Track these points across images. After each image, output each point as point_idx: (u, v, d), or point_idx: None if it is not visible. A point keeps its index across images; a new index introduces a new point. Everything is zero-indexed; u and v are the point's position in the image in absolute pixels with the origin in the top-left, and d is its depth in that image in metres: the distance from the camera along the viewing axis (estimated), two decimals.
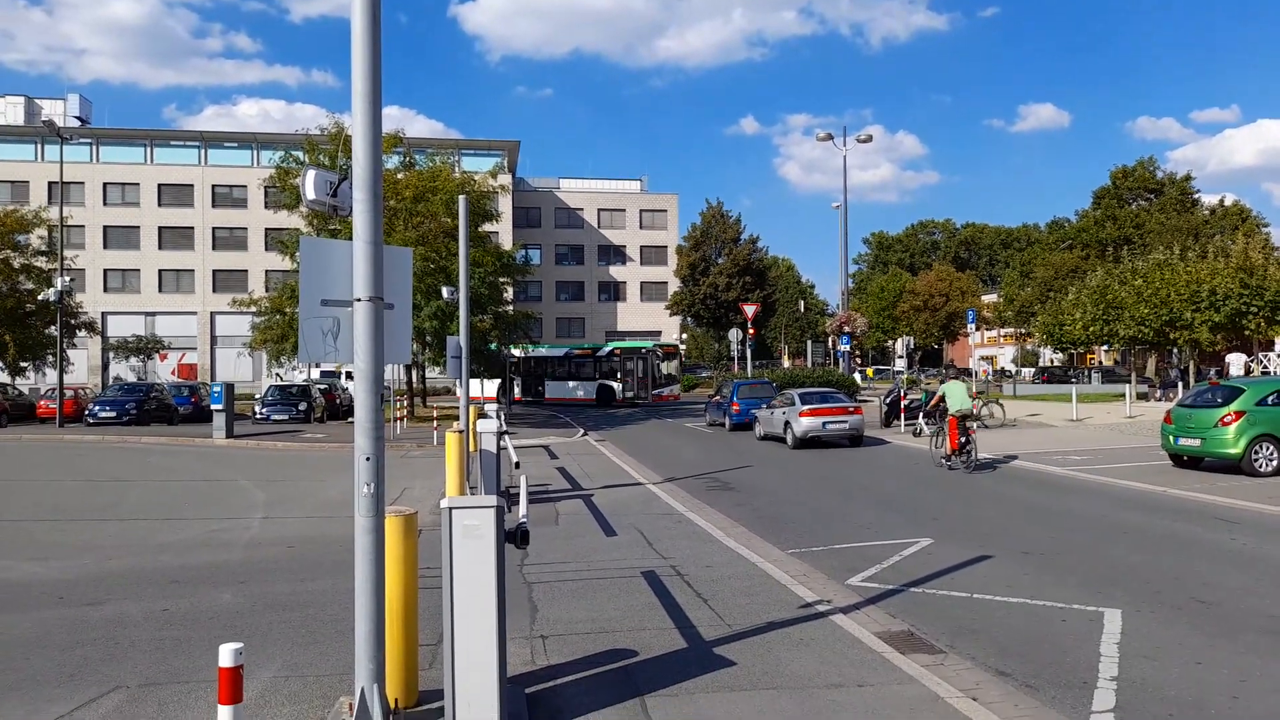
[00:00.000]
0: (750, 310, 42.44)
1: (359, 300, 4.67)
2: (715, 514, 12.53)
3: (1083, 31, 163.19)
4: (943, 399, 18.05)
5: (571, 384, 45.37)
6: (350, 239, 4.71)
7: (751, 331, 43.47)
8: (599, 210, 77.63)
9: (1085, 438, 22.12)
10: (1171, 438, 15.97)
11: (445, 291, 21.86)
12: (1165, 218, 63.40)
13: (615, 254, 77.75)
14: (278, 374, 43.69)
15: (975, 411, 18.51)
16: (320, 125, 31.72)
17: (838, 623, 7.06)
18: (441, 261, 28.46)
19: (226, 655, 3.40)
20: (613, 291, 77.94)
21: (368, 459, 4.66)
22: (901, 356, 49.37)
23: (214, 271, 66.59)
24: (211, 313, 65.42)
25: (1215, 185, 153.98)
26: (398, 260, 5.18)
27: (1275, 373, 33.86)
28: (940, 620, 7.28)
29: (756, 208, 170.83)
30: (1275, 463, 14.58)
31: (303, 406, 32.16)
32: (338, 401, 35.19)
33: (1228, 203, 69.19)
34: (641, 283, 77.78)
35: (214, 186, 67.18)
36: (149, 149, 67.62)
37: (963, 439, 17.02)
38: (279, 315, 29.82)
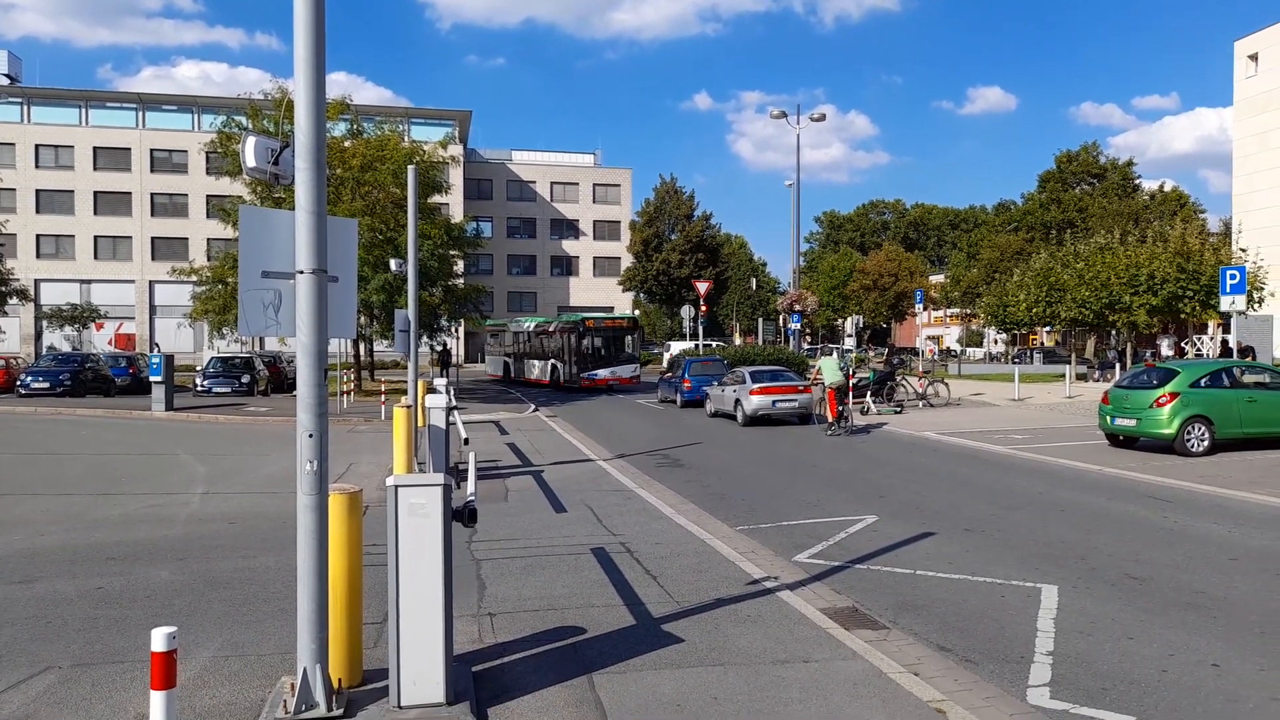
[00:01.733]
0: (703, 287, 42.51)
1: (301, 272, 4.54)
2: (665, 491, 12.57)
3: (1030, 16, 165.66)
4: (820, 372, 19.99)
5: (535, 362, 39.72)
6: (294, 208, 4.57)
7: (704, 308, 43.14)
8: (552, 184, 76.97)
9: (1026, 417, 22.65)
10: (1108, 418, 16.42)
11: (393, 264, 21.49)
12: (1107, 202, 64.92)
13: (568, 228, 77.27)
14: (242, 344, 42.02)
15: (850, 381, 20.76)
16: (264, 90, 30.86)
17: (784, 599, 7.14)
18: (389, 233, 27.95)
19: (159, 639, 3.29)
20: (565, 266, 77.52)
21: (310, 435, 4.55)
22: (850, 335, 50.09)
23: (153, 239, 64.64)
24: (150, 281, 63.60)
25: (1155, 171, 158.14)
26: (342, 231, 5.04)
27: (1206, 355, 34.98)
28: (884, 596, 7.40)
29: (710, 184, 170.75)
30: (1206, 443, 15.09)
31: (246, 379, 31.48)
32: (283, 374, 34.50)
33: (1167, 189, 71.09)
34: (594, 258, 77.48)
35: (153, 150, 65.04)
36: (84, 110, 65.17)
37: (841, 407, 19.31)
38: (221, 285, 29.05)
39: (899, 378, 27.27)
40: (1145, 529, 9.92)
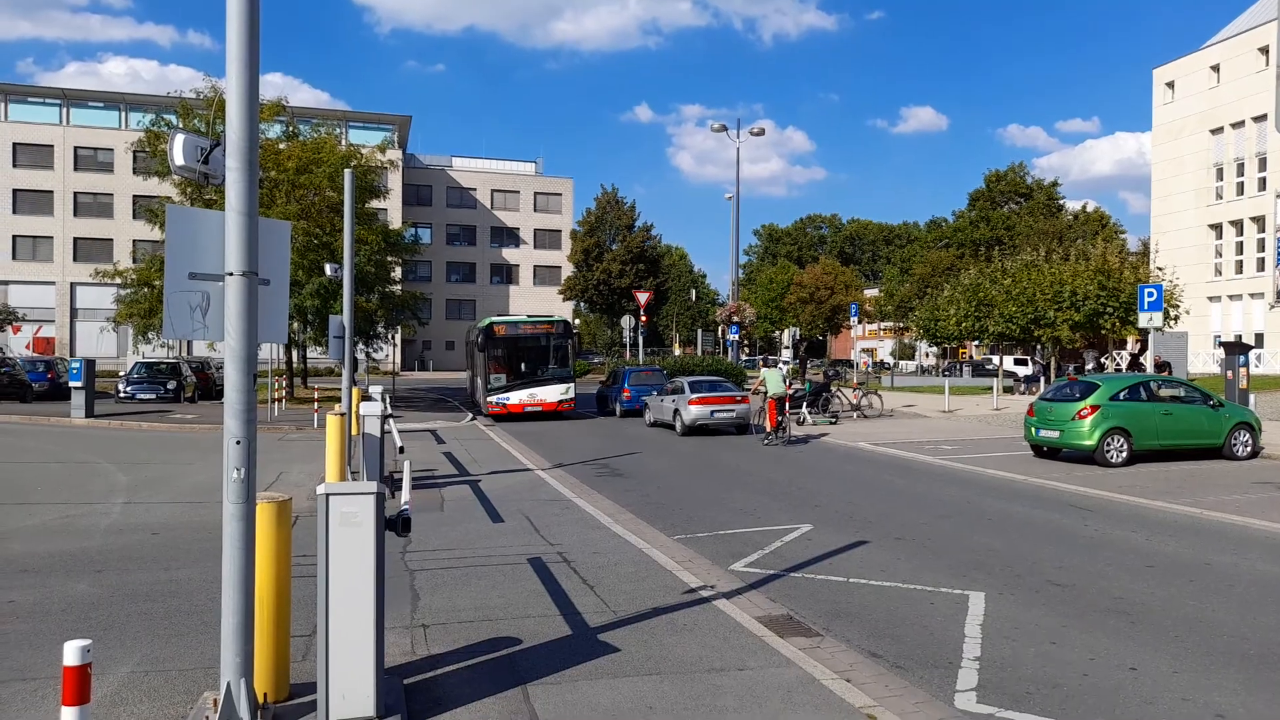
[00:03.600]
0: (643, 298, 42.63)
1: (231, 275, 4.42)
2: (603, 500, 12.55)
3: (961, 39, 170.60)
4: (763, 383, 20.17)
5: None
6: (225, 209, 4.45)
7: (644, 319, 43.19)
8: (492, 191, 76.53)
9: (956, 428, 23.21)
10: (1033, 429, 16.92)
11: (329, 269, 21.09)
12: (1034, 221, 67.13)
13: (508, 236, 76.87)
14: (169, 349, 40.06)
15: (789, 392, 21.36)
16: (196, 88, 30.05)
17: (721, 607, 7.17)
18: (325, 237, 27.46)
19: (71, 653, 3.16)
20: (505, 274, 77.07)
21: (238, 442, 4.43)
22: (788, 347, 50.74)
23: (75, 239, 62.38)
24: (72, 283, 61.33)
25: (1078, 192, 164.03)
26: (274, 233, 4.92)
27: (1123, 369, 36.32)
28: (818, 604, 7.50)
29: (650, 196, 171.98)
30: (1125, 454, 15.65)
31: (172, 385, 30.51)
32: (211, 380, 33.53)
33: (1090, 209, 73.79)
34: (535, 266, 77.20)
35: (76, 148, 62.81)
36: (3, 104, 62.62)
37: (781, 418, 19.63)
38: (147, 288, 28.17)
39: (834, 389, 27.72)
40: (1068, 537, 10.24)
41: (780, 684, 5.54)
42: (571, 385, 27.10)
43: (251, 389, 4.48)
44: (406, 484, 6.16)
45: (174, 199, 30.09)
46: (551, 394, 26.60)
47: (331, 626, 4.65)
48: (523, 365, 27.01)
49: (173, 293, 4.54)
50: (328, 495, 4.65)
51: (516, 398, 26.29)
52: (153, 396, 29.82)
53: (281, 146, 29.36)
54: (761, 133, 39.04)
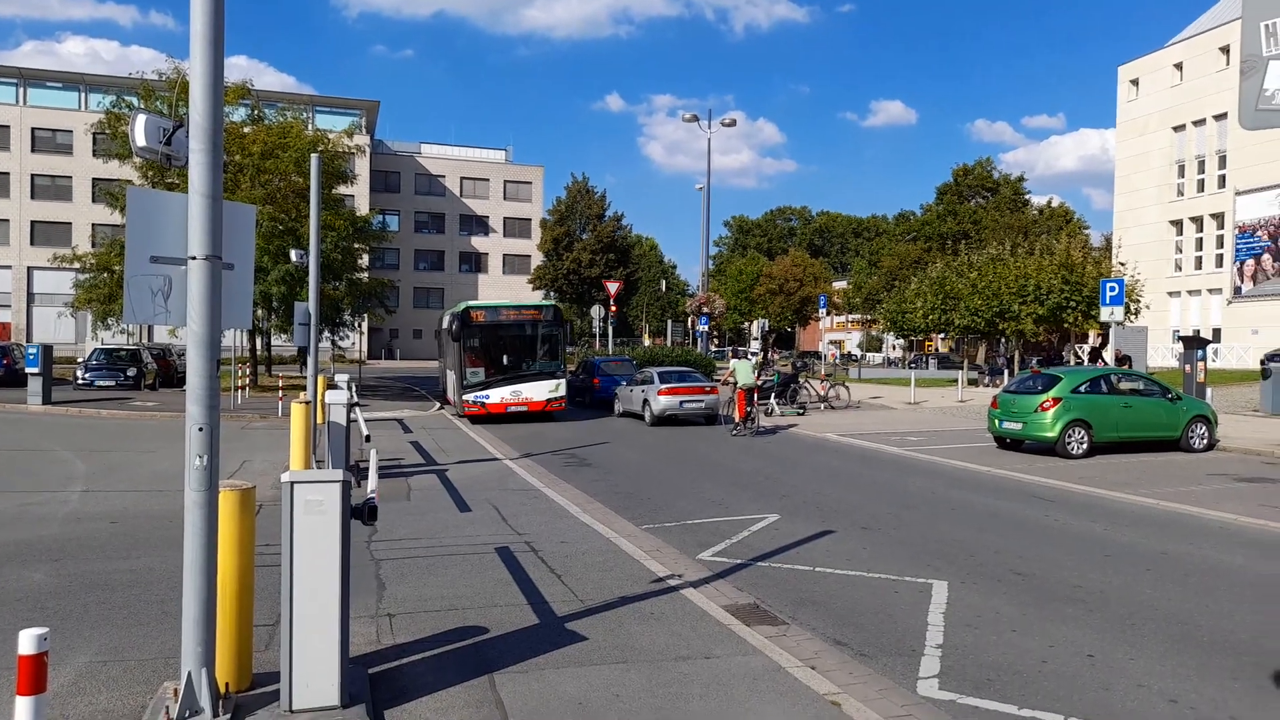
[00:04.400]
0: (613, 288, 42.52)
1: (194, 258, 4.35)
2: (572, 490, 12.54)
3: (930, 33, 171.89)
4: (733, 374, 20.28)
5: None
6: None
7: (614, 309, 43.01)
8: (462, 179, 75.90)
9: (921, 420, 23.47)
10: (997, 421, 17.16)
11: (294, 255, 20.81)
12: (1000, 215, 67.88)
13: (478, 224, 76.33)
14: (129, 335, 39.44)
15: (758, 383, 21.34)
16: (159, 70, 29.46)
17: (688, 597, 7.21)
18: (291, 223, 27.08)
19: (27, 641, 3.09)
20: (474, 263, 76.55)
21: (200, 429, 4.37)
22: (756, 338, 51.00)
23: (32, 223, 60.95)
24: (29, 268, 59.96)
25: (1042, 187, 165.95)
26: (239, 217, 4.85)
27: (1085, 362, 36.95)
28: (784, 593, 7.56)
29: (621, 185, 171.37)
30: (1085, 445, 15.93)
31: (132, 372, 29.95)
32: (172, 367, 32.99)
33: (1054, 204, 74.79)
34: (504, 255, 76.76)
35: (34, 129, 61.33)
36: None
37: (749, 409, 19.71)
38: (107, 273, 27.61)
39: (802, 380, 27.90)
40: (1030, 527, 10.41)
41: (746, 672, 5.58)
42: (563, 382, 23.19)
43: (215, 375, 4.42)
44: (373, 472, 6.11)
45: (135, 181, 29.51)
46: (539, 391, 22.67)
47: (295, 615, 4.60)
48: (505, 358, 22.99)
49: (134, 276, 4.46)
50: (292, 483, 4.60)
51: (498, 395, 22.42)
52: (112, 383, 29.27)
53: (246, 130, 28.88)
54: (733, 124, 39.10)
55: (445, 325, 24.68)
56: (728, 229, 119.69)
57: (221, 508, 4.64)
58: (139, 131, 4.73)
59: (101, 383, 29.22)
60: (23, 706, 3.11)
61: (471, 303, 24.06)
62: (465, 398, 22.34)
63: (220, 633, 4.67)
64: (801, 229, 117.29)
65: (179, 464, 4.42)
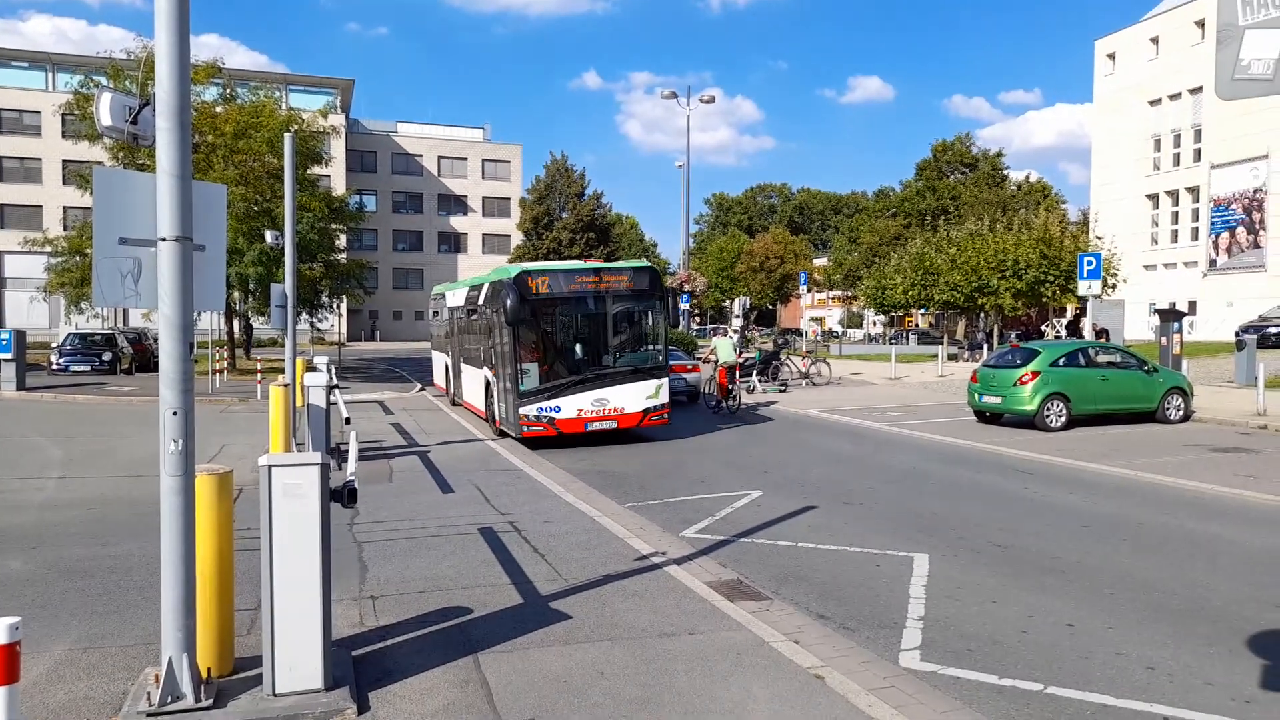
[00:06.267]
0: None
1: (164, 240, 4.27)
2: (555, 469, 12.53)
3: (907, 8, 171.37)
4: (714, 352, 20.23)
5: None
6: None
7: None
8: (439, 158, 75.19)
9: (902, 395, 23.61)
10: (976, 395, 17.29)
11: (269, 236, 20.56)
12: (978, 191, 68.12)
13: (456, 204, 75.74)
14: (103, 319, 38.83)
15: (739, 360, 21.21)
16: (127, 49, 28.87)
17: (672, 573, 7.23)
18: (265, 204, 26.75)
19: None
20: (453, 243, 76.03)
21: (175, 413, 4.31)
22: (738, 316, 51.06)
23: (3, 206, 59.86)
24: (0, 251, 58.91)
25: (1020, 162, 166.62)
26: (210, 197, 4.76)
27: (1062, 336, 37.29)
28: (767, 568, 7.59)
29: (600, 164, 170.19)
30: (1064, 418, 16.08)
31: (107, 357, 29.57)
32: (148, 351, 32.61)
33: (1032, 179, 75.07)
34: (483, 235, 76.25)
35: (1, 110, 60.06)
36: None
37: (730, 386, 19.61)
38: (79, 257, 27.19)
39: (784, 357, 27.99)
40: (1009, 499, 10.51)
41: (730, 647, 5.60)
42: (664, 383, 15.71)
43: (188, 358, 4.35)
44: (353, 455, 6.07)
45: (105, 164, 29.00)
46: (632, 398, 15.28)
47: (276, 599, 4.57)
48: (580, 348, 15.61)
49: (102, 259, 4.38)
50: (270, 467, 4.55)
51: (573, 406, 14.92)
52: (87, 368, 28.89)
53: (218, 110, 28.42)
54: (712, 100, 38.91)
55: (481, 302, 17.06)
56: (708, 207, 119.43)
57: (199, 492, 4.59)
58: (104, 110, 4.62)
59: (76, 368, 28.85)
60: None
61: (528, 266, 15.81)
62: (523, 411, 14.72)
63: (201, 618, 4.63)
64: (782, 206, 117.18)
65: (156, 449, 4.36)
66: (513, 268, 15.79)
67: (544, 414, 14.88)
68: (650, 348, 16.19)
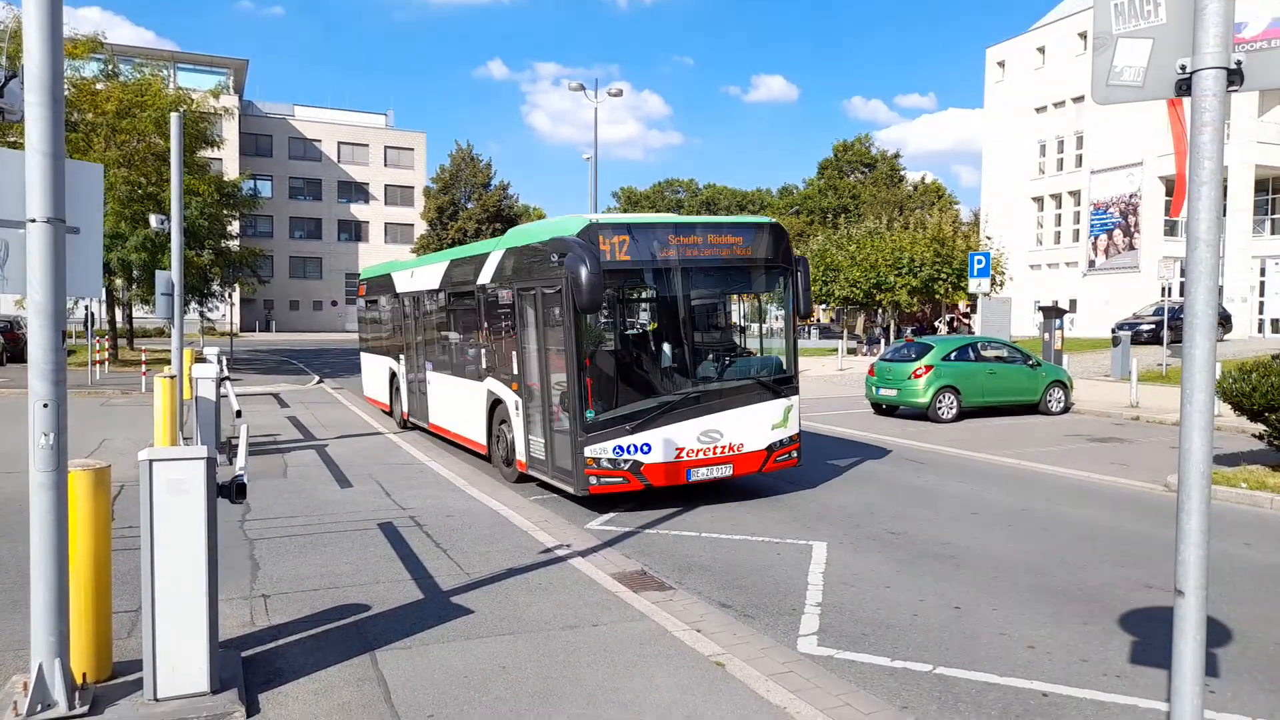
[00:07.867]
0: None
1: (33, 221, 4.01)
2: (458, 463, 12.33)
3: (810, 9, 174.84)
4: None
5: None
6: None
7: None
8: (340, 144, 73.01)
9: (803, 388, 24.10)
10: (874, 388, 17.85)
11: (155, 220, 19.57)
12: (877, 190, 70.25)
13: (357, 191, 73.71)
14: None
15: None
16: None
17: (576, 566, 7.21)
18: (151, 188, 25.43)
19: None
20: (354, 231, 73.98)
21: (45, 405, 4.06)
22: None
23: None
24: None
25: (915, 164, 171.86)
26: (85, 177, 4.49)
27: (945, 332, 38.84)
28: (671, 559, 7.66)
29: (506, 154, 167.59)
30: (954, 410, 16.76)
31: None
32: (23, 342, 30.66)
33: (928, 180, 77.86)
34: (386, 223, 74.45)
35: None
36: None
37: None
38: None
39: None
40: (904, 488, 10.88)
41: (633, 637, 5.63)
42: (794, 403, 10.53)
43: (59, 347, 4.11)
44: (242, 448, 5.82)
45: None
46: (752, 428, 9.99)
47: (158, 600, 4.36)
48: (668, 350, 10.26)
49: None
50: (151, 461, 4.34)
51: (668, 443, 9.47)
52: None
53: (99, 87, 26.84)
54: (619, 94, 38.86)
55: (494, 278, 11.29)
56: (616, 200, 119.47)
57: (73, 489, 4.34)
58: None
59: None
60: None
61: (598, 218, 9.82)
62: (590, 453, 9.24)
63: (76, 621, 4.39)
64: (689, 201, 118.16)
65: (27, 444, 4.10)
66: (572, 220, 9.58)
67: (624, 455, 9.31)
68: (774, 348, 11.07)
